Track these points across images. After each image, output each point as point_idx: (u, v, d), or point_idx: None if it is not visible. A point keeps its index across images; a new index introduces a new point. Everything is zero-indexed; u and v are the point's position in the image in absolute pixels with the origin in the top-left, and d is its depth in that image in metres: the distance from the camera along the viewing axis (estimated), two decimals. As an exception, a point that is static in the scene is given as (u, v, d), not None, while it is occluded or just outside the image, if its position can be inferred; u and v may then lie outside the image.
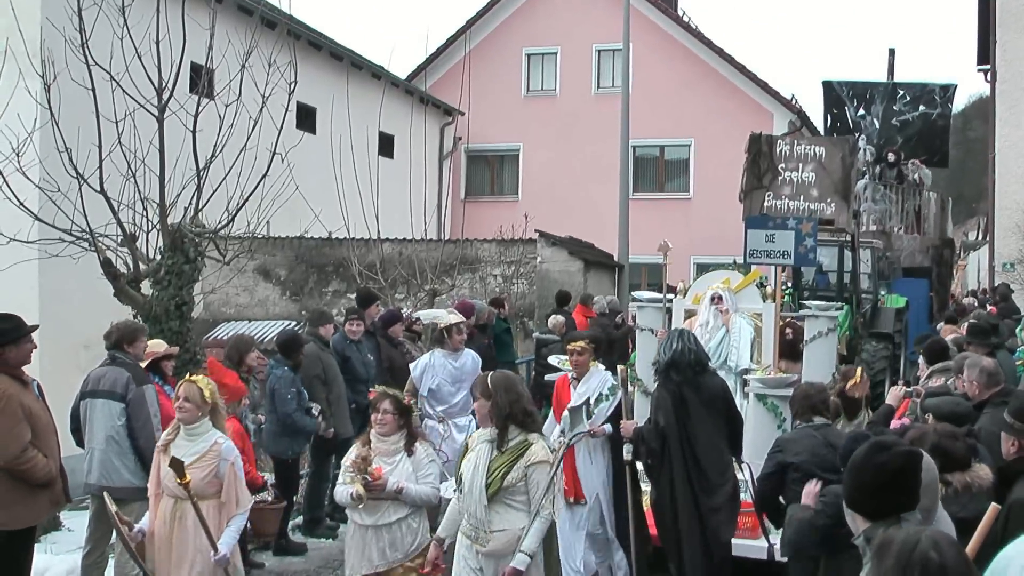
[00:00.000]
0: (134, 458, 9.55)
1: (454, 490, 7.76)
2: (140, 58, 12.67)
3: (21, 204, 12.80)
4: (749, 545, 10.17)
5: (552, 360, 10.85)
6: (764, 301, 12.71)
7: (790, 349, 13.32)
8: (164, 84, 12.73)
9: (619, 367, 10.94)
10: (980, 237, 52.35)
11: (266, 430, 12.25)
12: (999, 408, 7.96)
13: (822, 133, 32.45)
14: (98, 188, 12.51)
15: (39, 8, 17.70)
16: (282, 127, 13.55)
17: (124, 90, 12.59)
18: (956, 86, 31.65)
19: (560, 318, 19.42)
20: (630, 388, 11.21)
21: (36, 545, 9.14)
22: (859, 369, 12.94)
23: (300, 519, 12.96)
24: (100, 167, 12.54)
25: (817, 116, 34.56)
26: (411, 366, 12.24)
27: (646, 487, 11.17)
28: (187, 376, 8.17)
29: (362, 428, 10.16)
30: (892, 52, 33.79)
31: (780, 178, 19.74)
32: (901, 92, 31.40)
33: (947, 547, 3.46)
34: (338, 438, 12.38)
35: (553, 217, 31.40)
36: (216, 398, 8.04)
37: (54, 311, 18.51)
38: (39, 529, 9.46)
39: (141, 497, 8.62)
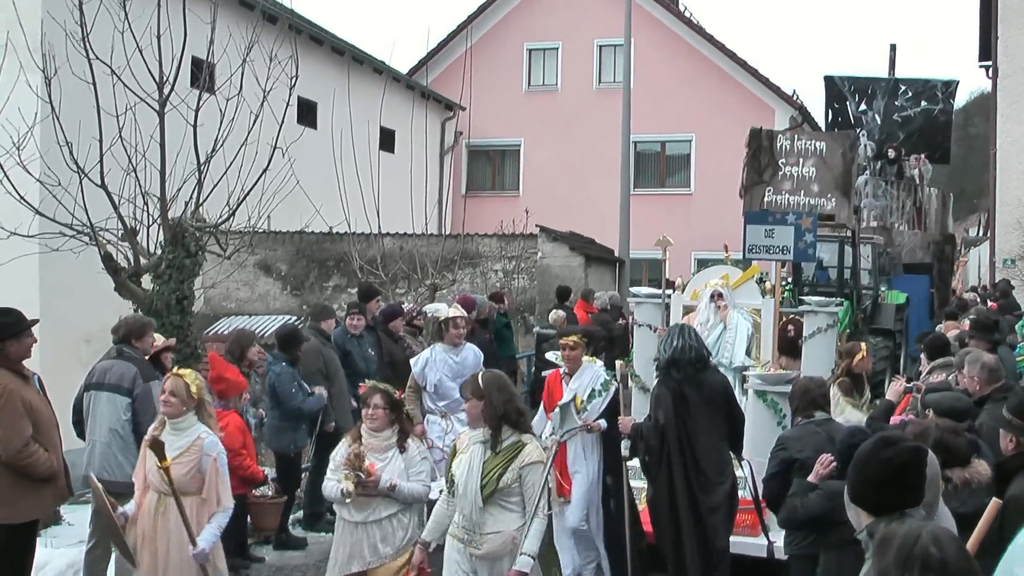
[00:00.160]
0: (137, 453, 9.55)
1: (440, 490, 7.67)
2: (141, 52, 12.67)
3: (22, 198, 12.79)
4: (749, 543, 10.12)
5: (549, 356, 10.80)
6: (763, 297, 12.69)
7: (791, 346, 13.30)
8: (165, 78, 12.72)
9: (618, 362, 10.93)
10: (981, 233, 52.33)
11: (268, 426, 12.25)
12: (999, 404, 7.96)
13: (823, 129, 32.46)
14: (99, 182, 12.50)
15: (40, 2, 17.70)
16: (283, 122, 13.55)
17: (125, 84, 12.58)
18: (958, 82, 31.69)
19: (561, 313, 19.42)
20: (628, 384, 11.21)
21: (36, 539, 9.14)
22: (863, 344, 13.11)
23: (301, 513, 12.96)
24: (101, 161, 12.53)
25: (818, 112, 34.61)
26: (412, 361, 12.12)
27: (640, 484, 11.18)
28: (173, 369, 8.12)
29: (363, 423, 10.15)
30: (893, 48, 33.86)
31: (780, 173, 19.71)
32: (903, 88, 31.42)
33: (948, 543, 3.45)
34: (339, 432, 12.37)
35: (554, 212, 31.40)
36: (203, 393, 7.95)
37: (55, 305, 18.51)
38: (39, 523, 9.46)
39: None
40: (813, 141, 20.14)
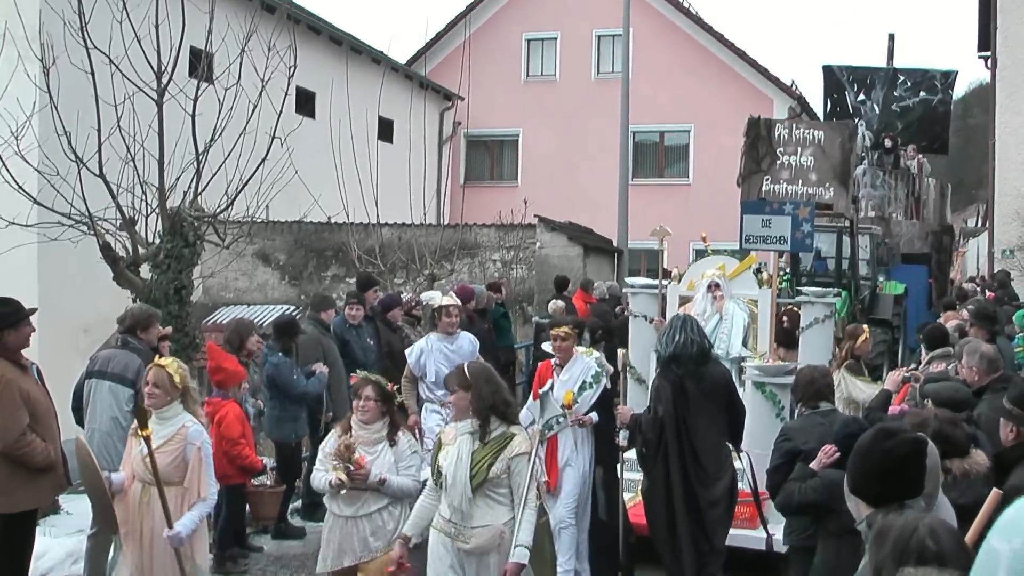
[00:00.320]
0: (137, 445, 9.56)
1: (425, 480, 7.57)
2: (139, 42, 12.66)
3: (20, 188, 12.79)
4: (747, 536, 10.09)
5: (546, 347, 10.75)
6: (760, 287, 12.67)
7: (787, 337, 13.31)
8: (163, 68, 12.71)
9: (620, 351, 10.90)
10: (980, 224, 52.30)
11: (268, 416, 12.26)
12: (998, 394, 7.97)
13: (822, 119, 32.42)
14: (97, 172, 12.50)
15: (38, -8, 17.68)
16: (281, 111, 13.55)
17: (123, 74, 12.58)
18: (957, 72, 31.68)
19: (560, 303, 19.42)
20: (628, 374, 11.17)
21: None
22: (865, 327, 13.26)
23: (299, 503, 12.98)
24: (99, 151, 12.53)
25: (817, 102, 34.57)
26: (407, 352, 12.06)
27: (636, 475, 11.16)
28: (155, 359, 8.05)
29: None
30: (892, 37, 33.80)
31: (779, 162, 19.70)
32: (902, 78, 31.39)
33: (944, 535, 3.45)
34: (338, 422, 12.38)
35: (552, 202, 31.39)
36: (187, 382, 7.86)
37: (53, 295, 18.50)
38: (38, 513, 9.46)
39: None
40: (811, 130, 20.14)
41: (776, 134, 19.96)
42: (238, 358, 11.48)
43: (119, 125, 12.60)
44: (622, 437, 9.63)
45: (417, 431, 11.07)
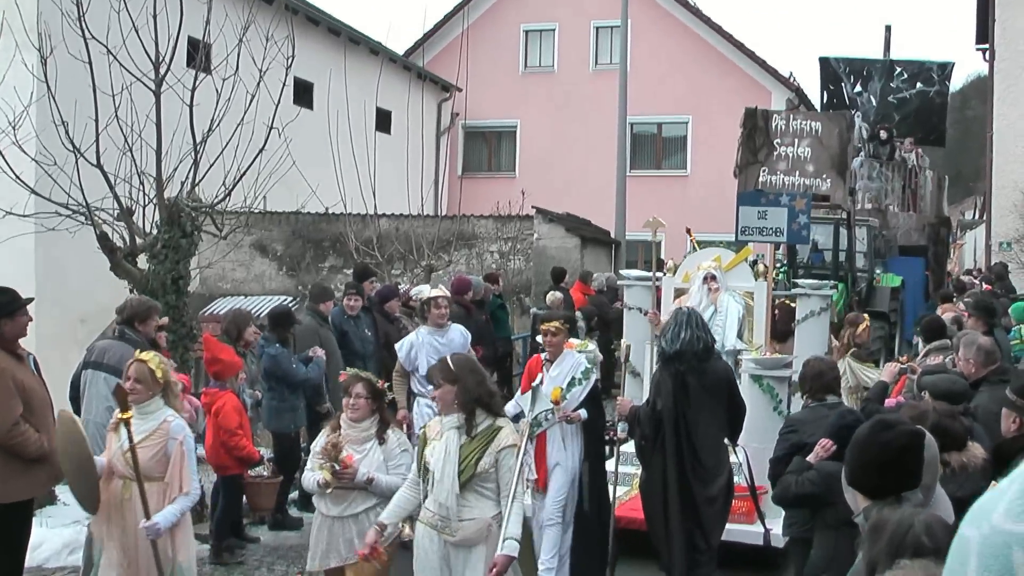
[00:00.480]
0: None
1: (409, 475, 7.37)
2: (137, 32, 12.64)
3: (17, 177, 12.78)
4: (744, 530, 10.07)
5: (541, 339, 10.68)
6: (756, 280, 12.64)
7: (777, 329, 13.32)
8: (161, 58, 12.69)
9: (622, 341, 10.88)
10: (977, 216, 52.34)
11: (267, 407, 12.25)
12: (996, 386, 7.98)
13: (819, 111, 32.40)
14: (95, 162, 12.49)
15: (36, -19, 17.64)
16: (279, 102, 13.54)
17: (121, 64, 12.56)
18: (954, 64, 31.61)
19: (558, 295, 19.42)
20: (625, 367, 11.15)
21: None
22: (865, 315, 13.36)
23: (297, 494, 12.98)
24: (97, 141, 12.51)
25: (815, 94, 34.53)
26: (396, 346, 11.99)
27: (631, 469, 11.13)
28: (136, 353, 7.96)
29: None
30: (888, 29, 33.72)
31: (776, 153, 19.67)
32: (898, 69, 31.34)
33: (940, 530, 3.45)
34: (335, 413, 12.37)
35: (550, 193, 31.37)
36: (168, 376, 7.79)
37: (50, 285, 18.49)
38: (34, 503, 9.45)
39: None
40: (809, 121, 20.11)
41: (773, 125, 19.92)
42: (235, 349, 11.48)
43: (117, 115, 12.58)
44: (620, 429, 9.60)
45: (406, 426, 11.00)
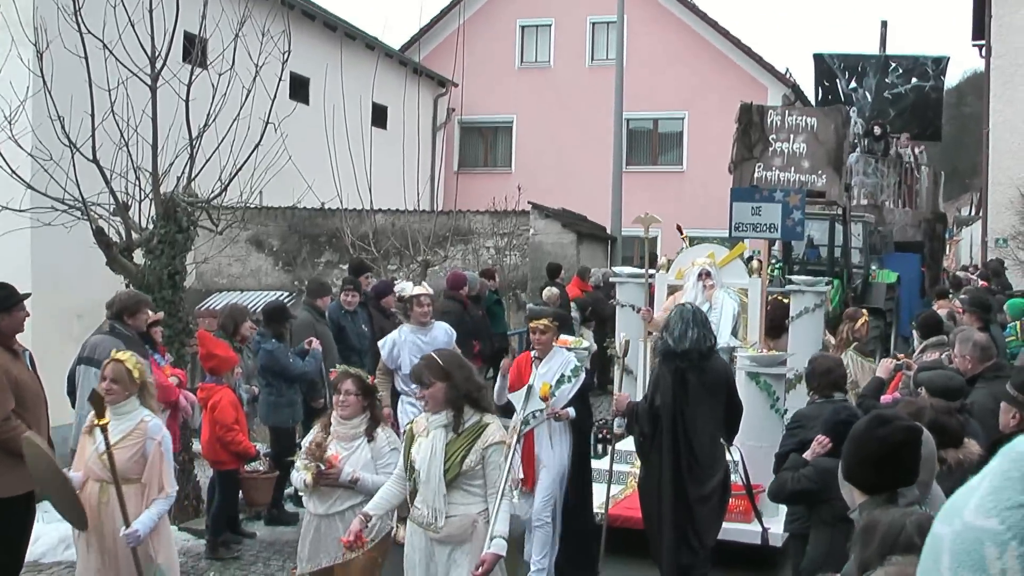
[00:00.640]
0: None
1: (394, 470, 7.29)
2: (133, 26, 12.60)
3: (13, 172, 12.76)
4: (742, 529, 10.02)
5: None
6: (750, 276, 12.61)
7: (769, 326, 13.30)
8: (157, 53, 12.66)
9: (621, 335, 10.86)
10: (973, 212, 52.40)
11: (264, 402, 12.23)
12: (992, 382, 7.99)
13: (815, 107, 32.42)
14: (91, 157, 12.46)
15: (32, -25, 17.60)
16: (275, 97, 13.51)
17: (117, 58, 12.53)
18: (948, 58, 31.68)
19: (555, 290, 19.42)
20: (624, 362, 11.12)
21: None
22: (864, 310, 13.47)
23: (293, 489, 12.97)
24: (93, 136, 12.49)
25: (811, 90, 34.54)
26: (379, 344, 11.91)
27: (625, 468, 11.12)
28: (113, 353, 7.88)
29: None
30: (884, 24, 33.77)
31: (771, 149, 19.71)
32: (893, 65, 31.39)
33: (932, 530, 3.44)
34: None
35: (546, 189, 31.40)
36: (145, 376, 7.71)
37: (46, 280, 18.46)
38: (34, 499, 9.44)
39: None
40: (804, 117, 20.17)
41: (769, 120, 19.97)
42: (231, 344, 11.48)
43: (113, 110, 12.56)
44: (617, 425, 9.58)
45: (391, 424, 10.95)
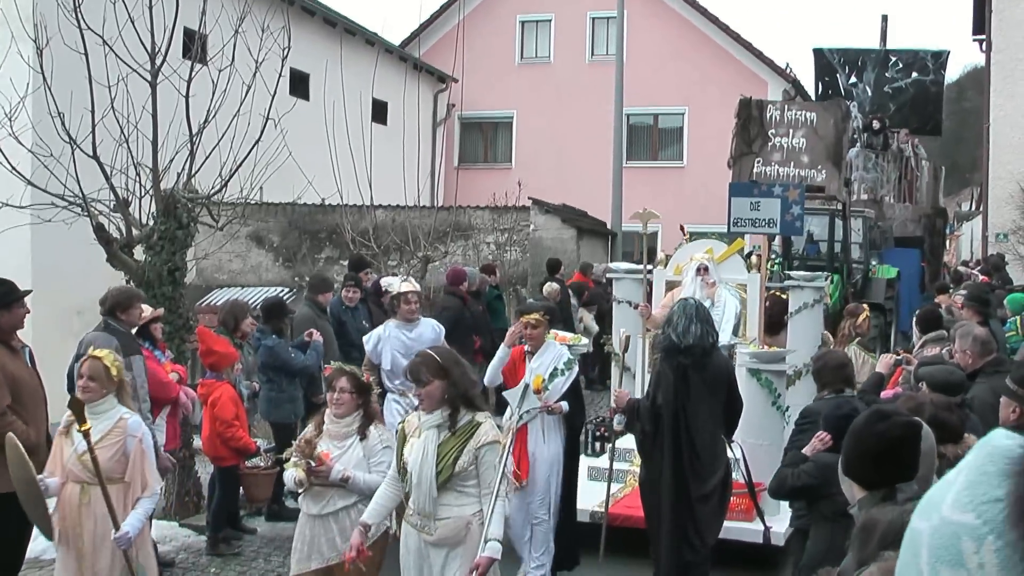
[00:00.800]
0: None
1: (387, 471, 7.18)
2: (133, 23, 12.60)
3: (13, 169, 12.76)
4: (743, 528, 9.96)
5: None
6: (749, 272, 12.58)
7: (767, 321, 13.28)
8: (157, 49, 12.67)
9: (621, 331, 10.84)
10: (973, 207, 52.38)
11: (265, 398, 12.24)
12: (992, 377, 7.99)
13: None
14: (91, 153, 12.47)
15: (31, -28, 17.60)
16: (275, 93, 13.51)
17: (117, 55, 12.53)
18: (949, 52, 31.68)
19: (555, 286, 19.44)
20: (624, 359, 11.11)
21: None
22: (865, 306, 13.50)
23: (293, 484, 12.97)
24: (93, 132, 12.49)
25: (812, 85, 34.53)
26: (364, 339, 11.82)
27: (624, 466, 11.09)
28: (90, 351, 7.78)
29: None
30: (885, 18, 33.78)
31: (770, 144, 19.70)
32: (893, 59, 31.38)
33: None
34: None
35: (547, 185, 31.39)
36: (122, 374, 7.63)
37: (46, 276, 18.47)
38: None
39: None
40: (804, 112, 20.14)
41: (768, 115, 19.96)
42: (232, 340, 11.48)
43: (113, 106, 12.56)
44: (617, 422, 9.55)
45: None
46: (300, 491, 7.48)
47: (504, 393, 9.70)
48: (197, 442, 12.15)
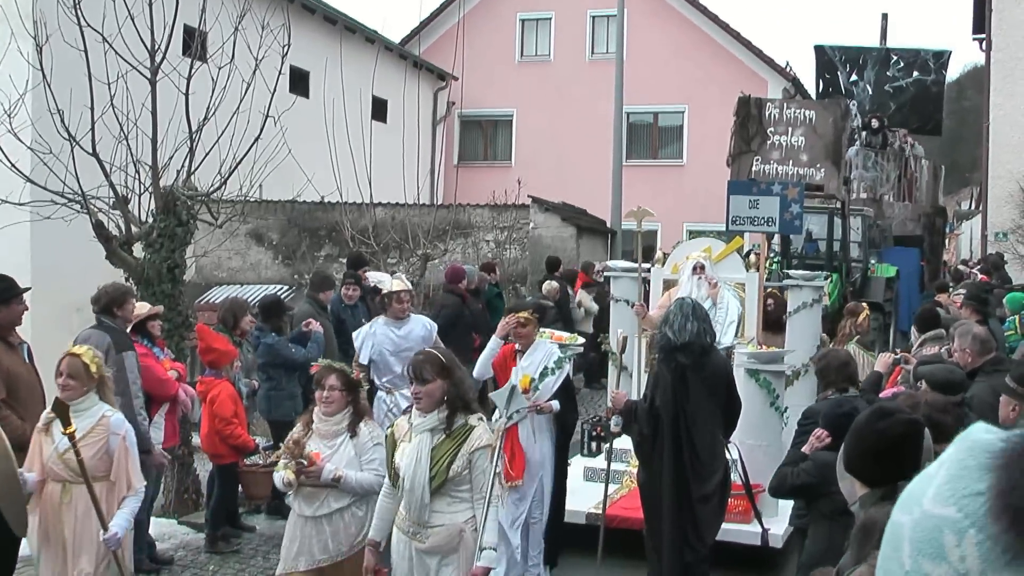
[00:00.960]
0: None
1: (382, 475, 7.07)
2: (133, 20, 12.61)
3: (13, 166, 12.76)
4: (741, 530, 9.89)
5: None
6: (748, 271, 12.54)
7: (770, 321, 13.26)
8: (157, 46, 12.67)
9: (619, 331, 10.81)
10: (973, 206, 52.37)
11: (265, 395, 12.22)
12: (992, 376, 7.99)
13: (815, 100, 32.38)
14: (90, 150, 12.47)
15: (31, -31, 17.59)
16: (275, 90, 13.51)
17: (116, 52, 12.54)
18: (950, 52, 31.63)
19: (555, 284, 19.42)
20: (622, 359, 11.08)
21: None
22: (864, 304, 13.51)
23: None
24: (92, 129, 12.50)
25: (812, 84, 34.53)
26: (353, 335, 11.80)
27: (621, 467, 11.07)
28: (70, 347, 7.66)
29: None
30: (885, 17, 33.78)
31: (769, 142, 19.68)
32: (894, 58, 31.34)
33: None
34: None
35: (546, 183, 31.35)
36: (103, 371, 7.50)
37: (46, 273, 18.47)
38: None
39: None
40: (803, 109, 20.12)
41: (767, 113, 19.94)
42: (231, 338, 11.48)
43: (112, 103, 12.57)
44: (614, 423, 9.51)
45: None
46: (291, 491, 7.29)
47: (491, 395, 9.64)
48: (196, 440, 12.16)
